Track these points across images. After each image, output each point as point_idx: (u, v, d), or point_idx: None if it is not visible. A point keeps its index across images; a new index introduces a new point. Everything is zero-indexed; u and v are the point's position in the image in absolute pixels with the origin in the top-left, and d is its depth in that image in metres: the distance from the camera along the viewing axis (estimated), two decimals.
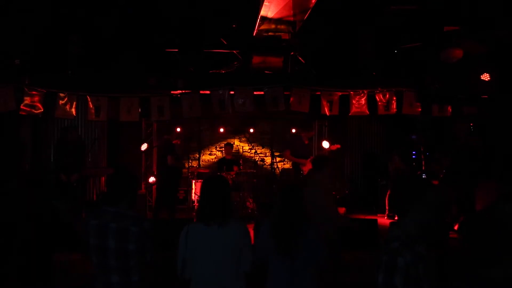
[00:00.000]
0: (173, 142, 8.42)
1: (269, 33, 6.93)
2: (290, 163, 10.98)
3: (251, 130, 10.64)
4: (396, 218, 7.17)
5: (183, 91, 7.84)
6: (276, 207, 3.11)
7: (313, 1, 5.56)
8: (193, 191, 9.02)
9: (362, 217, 7.88)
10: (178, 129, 9.03)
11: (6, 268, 3.01)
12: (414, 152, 9.33)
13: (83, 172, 8.06)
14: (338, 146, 8.03)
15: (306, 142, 7.93)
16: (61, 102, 7.48)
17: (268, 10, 5.87)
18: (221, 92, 7.73)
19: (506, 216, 2.59)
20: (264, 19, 6.22)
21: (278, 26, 6.63)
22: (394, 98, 7.99)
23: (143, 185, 9.71)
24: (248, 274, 2.83)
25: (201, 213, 2.82)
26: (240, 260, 2.75)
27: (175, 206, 8.52)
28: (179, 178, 8.67)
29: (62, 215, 3.13)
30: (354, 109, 8.03)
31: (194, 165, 10.38)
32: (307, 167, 7.72)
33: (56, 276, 4.13)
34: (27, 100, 7.18)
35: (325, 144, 9.39)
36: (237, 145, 10.96)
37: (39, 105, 7.29)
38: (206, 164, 10.84)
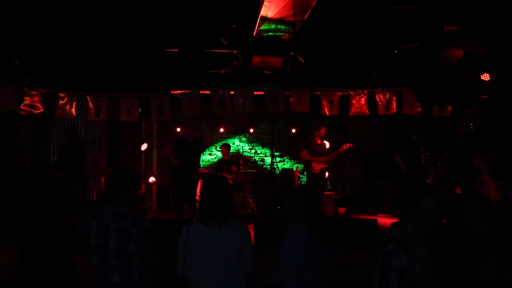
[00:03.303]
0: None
1: (269, 33, 6.93)
2: (289, 163, 11.06)
3: (251, 130, 10.64)
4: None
5: (183, 91, 7.84)
6: (297, 210, 3.08)
7: (313, 1, 5.56)
8: None
9: (362, 217, 7.88)
10: (178, 129, 9.02)
11: (37, 268, 3.04)
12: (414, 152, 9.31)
13: (83, 172, 8.07)
14: (350, 145, 7.92)
15: (319, 142, 7.89)
16: (61, 102, 7.48)
17: (268, 10, 5.87)
18: (221, 92, 7.73)
19: None
20: (264, 19, 6.22)
21: (278, 26, 6.63)
22: (394, 98, 7.99)
23: (143, 185, 9.70)
24: (248, 274, 2.82)
25: (201, 213, 2.82)
26: (240, 260, 2.74)
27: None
28: None
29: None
30: (354, 109, 8.03)
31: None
32: (319, 166, 7.73)
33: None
34: (27, 100, 7.18)
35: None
36: (237, 145, 10.96)
37: (39, 105, 7.29)
38: (206, 164, 10.84)
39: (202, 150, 8.15)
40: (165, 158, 8.56)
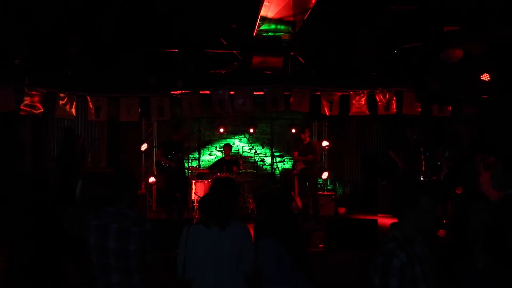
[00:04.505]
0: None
1: (269, 33, 6.92)
2: (289, 163, 11.07)
3: (251, 130, 10.64)
4: None
5: (183, 91, 7.84)
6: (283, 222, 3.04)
7: (313, 1, 5.56)
8: (193, 191, 9.01)
9: (362, 217, 7.88)
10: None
11: (22, 270, 3.03)
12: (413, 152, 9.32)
13: (83, 172, 8.07)
14: (326, 148, 8.43)
15: (306, 142, 8.11)
16: (61, 102, 7.49)
17: (268, 10, 5.86)
18: (221, 92, 7.73)
19: None
20: (264, 19, 6.21)
21: (278, 26, 6.63)
22: (394, 98, 7.99)
23: (143, 185, 9.70)
24: (249, 276, 2.81)
25: (202, 214, 2.81)
26: (241, 261, 2.73)
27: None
28: None
29: (73, 221, 3.13)
30: (354, 109, 8.03)
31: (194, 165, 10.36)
32: (299, 166, 8.08)
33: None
34: (27, 100, 7.18)
35: (325, 144, 9.42)
36: (237, 145, 10.95)
37: (39, 105, 7.29)
38: (206, 164, 10.83)
39: (182, 150, 8.12)
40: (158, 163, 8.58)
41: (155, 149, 10.13)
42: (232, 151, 10.34)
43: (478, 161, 6.20)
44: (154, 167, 7.99)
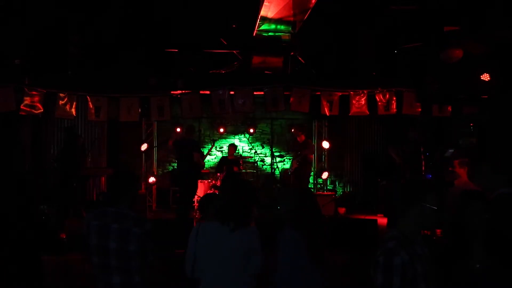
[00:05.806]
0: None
1: (269, 33, 6.93)
2: (289, 163, 11.09)
3: (251, 130, 10.64)
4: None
5: (183, 91, 7.84)
6: (300, 214, 3.04)
7: (313, 1, 5.57)
8: None
9: (362, 217, 7.89)
10: (178, 129, 9.03)
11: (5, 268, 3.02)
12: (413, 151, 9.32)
13: (83, 172, 8.09)
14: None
15: (300, 142, 8.31)
16: (61, 102, 7.49)
17: (268, 10, 5.87)
18: (221, 92, 7.74)
19: None
20: (264, 19, 6.22)
21: (278, 26, 6.63)
22: (394, 98, 7.99)
23: (143, 185, 9.70)
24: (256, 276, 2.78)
25: (218, 211, 2.77)
26: (249, 262, 2.70)
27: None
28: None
29: (49, 219, 3.13)
30: (354, 109, 8.03)
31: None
32: (293, 166, 8.39)
33: (55, 277, 4.13)
34: (27, 100, 7.18)
35: (325, 144, 9.42)
36: (237, 145, 10.96)
37: (39, 105, 7.30)
38: (206, 164, 10.83)
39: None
40: (165, 159, 8.57)
41: (155, 149, 10.14)
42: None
43: (459, 165, 6.14)
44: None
